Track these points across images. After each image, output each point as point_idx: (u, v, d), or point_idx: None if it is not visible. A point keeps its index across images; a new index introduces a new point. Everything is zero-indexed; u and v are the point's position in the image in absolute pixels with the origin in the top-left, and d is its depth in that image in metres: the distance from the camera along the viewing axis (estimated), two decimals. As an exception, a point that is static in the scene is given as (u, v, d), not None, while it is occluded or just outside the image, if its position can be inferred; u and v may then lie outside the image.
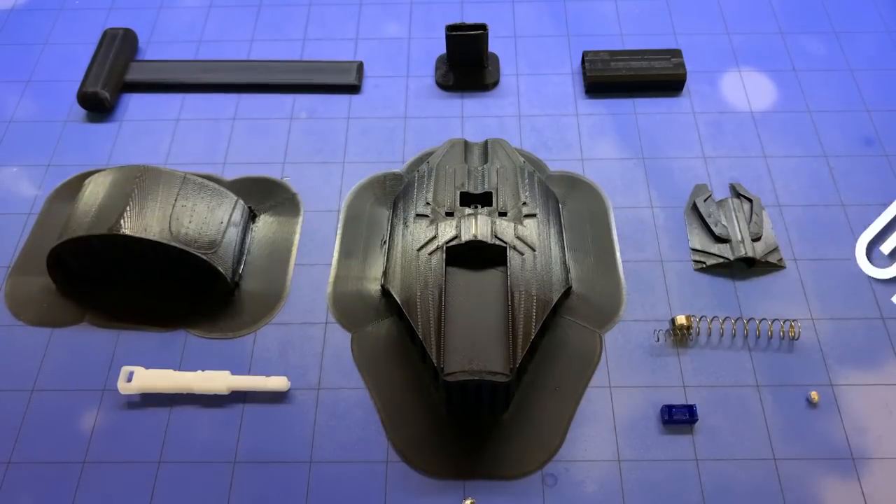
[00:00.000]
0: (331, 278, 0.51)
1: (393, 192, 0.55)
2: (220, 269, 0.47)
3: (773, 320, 0.48)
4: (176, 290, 0.50)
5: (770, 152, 0.58)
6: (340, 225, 0.54)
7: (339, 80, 0.62)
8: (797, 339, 0.48)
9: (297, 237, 0.53)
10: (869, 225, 0.53)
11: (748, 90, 0.62)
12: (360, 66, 0.64)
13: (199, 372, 0.46)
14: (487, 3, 0.69)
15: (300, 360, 0.48)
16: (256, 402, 0.46)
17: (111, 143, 0.59)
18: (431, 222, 0.48)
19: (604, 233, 0.53)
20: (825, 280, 0.50)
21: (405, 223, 0.49)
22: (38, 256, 0.51)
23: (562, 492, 0.42)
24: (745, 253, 0.50)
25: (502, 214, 0.48)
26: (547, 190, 0.53)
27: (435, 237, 0.47)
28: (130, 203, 0.46)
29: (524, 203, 0.49)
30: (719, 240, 0.52)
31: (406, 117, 0.61)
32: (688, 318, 0.47)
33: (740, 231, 0.52)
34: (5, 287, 0.51)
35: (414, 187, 0.52)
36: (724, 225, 0.52)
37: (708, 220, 0.52)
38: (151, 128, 0.60)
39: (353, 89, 0.62)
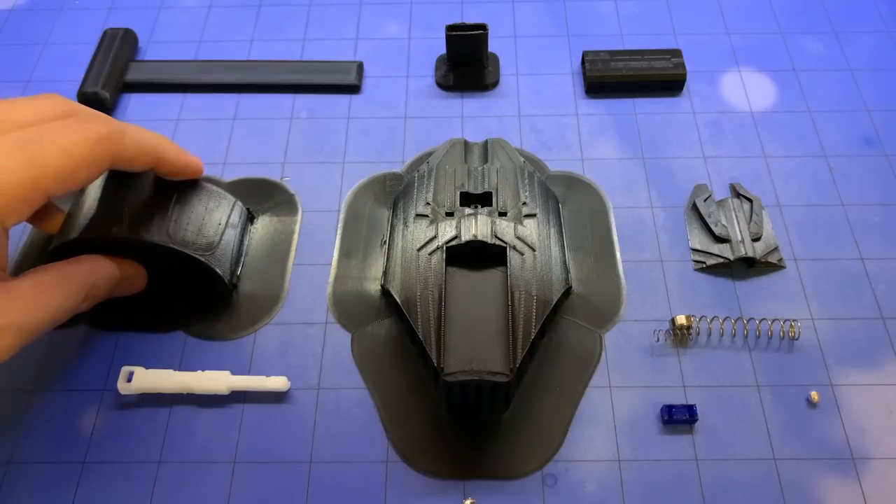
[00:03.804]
0: (331, 278, 0.51)
1: (393, 192, 0.55)
2: (217, 270, 0.47)
3: (773, 320, 0.48)
4: (174, 291, 0.50)
5: (770, 152, 0.58)
6: (340, 225, 0.54)
7: (339, 80, 0.62)
8: (797, 339, 0.48)
9: (296, 237, 0.53)
10: (869, 224, 0.53)
11: (748, 90, 0.62)
12: (360, 66, 0.64)
13: (199, 372, 0.46)
14: (487, 3, 0.70)
15: (300, 360, 0.48)
16: (256, 402, 0.46)
17: (111, 143, 0.59)
18: (431, 222, 0.48)
19: (604, 233, 0.53)
20: (825, 280, 0.50)
21: (405, 223, 0.49)
22: (38, 257, 0.51)
23: (562, 492, 0.43)
24: (745, 253, 0.50)
25: (502, 214, 0.48)
26: (547, 190, 0.53)
27: (435, 237, 0.47)
28: (129, 204, 0.46)
29: (524, 203, 0.49)
30: (719, 240, 0.52)
31: (406, 117, 0.61)
32: (688, 318, 0.47)
33: (740, 231, 0.52)
34: (5, 287, 0.51)
35: (414, 187, 0.52)
36: (724, 225, 0.52)
37: (708, 220, 0.52)
38: (151, 128, 0.59)
39: (353, 89, 0.62)
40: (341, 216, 0.54)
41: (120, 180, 0.48)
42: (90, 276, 0.43)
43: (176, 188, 0.48)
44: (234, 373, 0.46)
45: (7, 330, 0.37)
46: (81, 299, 0.42)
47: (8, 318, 0.37)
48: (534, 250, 0.46)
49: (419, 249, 0.47)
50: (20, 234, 0.54)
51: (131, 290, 0.48)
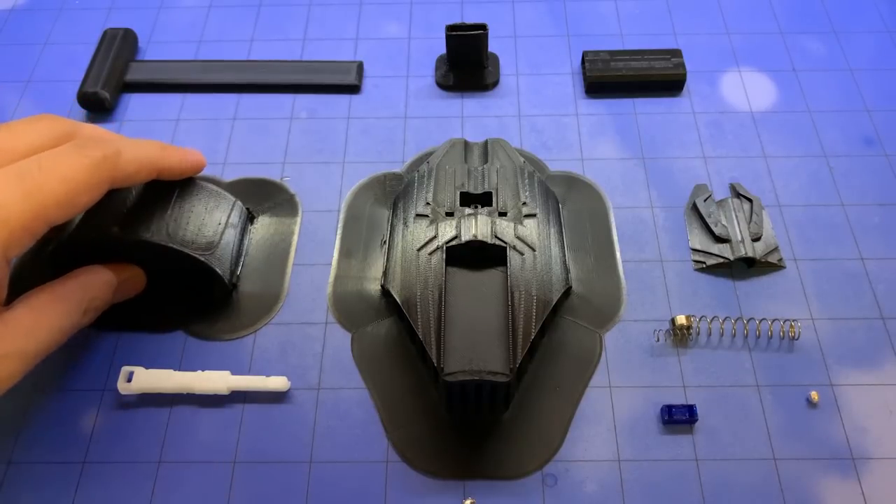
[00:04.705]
0: (330, 278, 0.51)
1: (393, 192, 0.55)
2: (217, 270, 0.48)
3: (773, 320, 0.48)
4: (174, 291, 0.50)
5: (770, 152, 0.58)
6: (340, 225, 0.54)
7: (339, 80, 0.62)
8: (797, 339, 0.48)
9: (295, 238, 0.53)
10: (869, 224, 0.53)
11: (748, 90, 0.62)
12: (360, 66, 0.64)
13: (199, 372, 0.46)
14: (487, 3, 0.70)
15: (300, 360, 0.48)
16: (256, 402, 0.46)
17: (111, 143, 0.59)
18: (431, 222, 0.48)
19: (604, 233, 0.53)
20: (825, 280, 0.50)
21: (405, 223, 0.49)
22: (35, 257, 0.51)
23: (562, 492, 0.43)
24: (745, 253, 0.50)
25: (502, 214, 0.48)
26: (547, 190, 0.53)
27: (435, 237, 0.47)
28: (129, 204, 0.46)
29: (524, 203, 0.49)
30: (719, 240, 0.52)
31: (406, 117, 0.61)
32: (688, 318, 0.47)
33: (740, 231, 0.52)
34: (5, 287, 0.51)
35: (414, 187, 0.52)
36: (724, 225, 0.52)
37: (708, 220, 0.52)
38: (151, 128, 0.60)
39: (353, 89, 0.62)
40: (341, 216, 0.54)
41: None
42: (86, 290, 0.43)
43: (175, 187, 0.48)
44: (234, 373, 0.46)
45: (8, 358, 0.37)
46: (81, 315, 0.42)
47: (8, 347, 0.37)
48: (534, 250, 0.46)
49: (419, 249, 0.47)
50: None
51: (130, 293, 0.48)
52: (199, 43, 0.67)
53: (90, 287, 0.43)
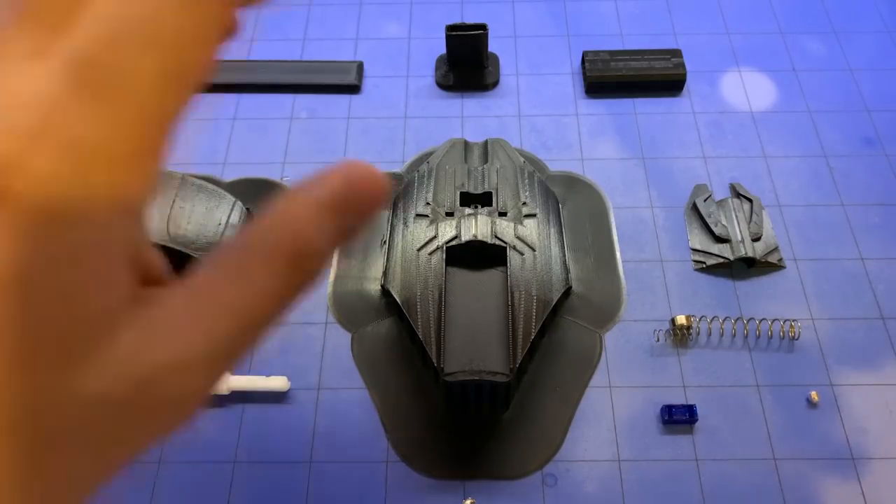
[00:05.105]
0: (331, 278, 0.51)
1: (393, 192, 0.55)
2: (219, 269, 0.47)
3: (773, 320, 0.48)
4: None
5: (770, 152, 0.57)
6: (340, 225, 0.54)
7: (339, 80, 0.62)
8: (797, 339, 0.48)
9: (296, 237, 0.53)
10: (869, 224, 0.53)
11: (748, 90, 0.62)
12: (360, 66, 0.64)
13: (199, 372, 0.46)
14: (487, 3, 0.69)
15: (300, 360, 0.48)
16: (256, 402, 0.46)
17: (111, 143, 0.59)
18: (431, 222, 0.48)
19: (604, 233, 0.53)
20: (825, 280, 0.50)
21: (405, 223, 0.49)
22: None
23: (562, 492, 0.43)
24: (745, 253, 0.50)
25: (502, 214, 0.48)
26: (547, 190, 0.53)
27: (435, 237, 0.47)
28: (130, 203, 0.46)
29: (524, 203, 0.49)
30: (719, 240, 0.52)
31: (406, 117, 0.61)
32: (688, 318, 0.47)
33: (740, 231, 0.52)
34: (5, 287, 0.51)
35: (414, 187, 0.52)
36: (724, 225, 0.52)
37: (708, 220, 0.52)
38: (151, 128, 0.60)
39: (353, 89, 0.62)
40: (341, 216, 0.54)
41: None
42: (287, 225, 0.19)
43: (175, 187, 0.48)
44: (234, 373, 0.46)
45: (185, 371, 0.17)
46: (296, 273, 0.18)
47: (169, 352, 0.17)
48: (534, 250, 0.46)
49: (419, 249, 0.47)
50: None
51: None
52: (199, 43, 0.67)
53: (297, 219, 0.18)
